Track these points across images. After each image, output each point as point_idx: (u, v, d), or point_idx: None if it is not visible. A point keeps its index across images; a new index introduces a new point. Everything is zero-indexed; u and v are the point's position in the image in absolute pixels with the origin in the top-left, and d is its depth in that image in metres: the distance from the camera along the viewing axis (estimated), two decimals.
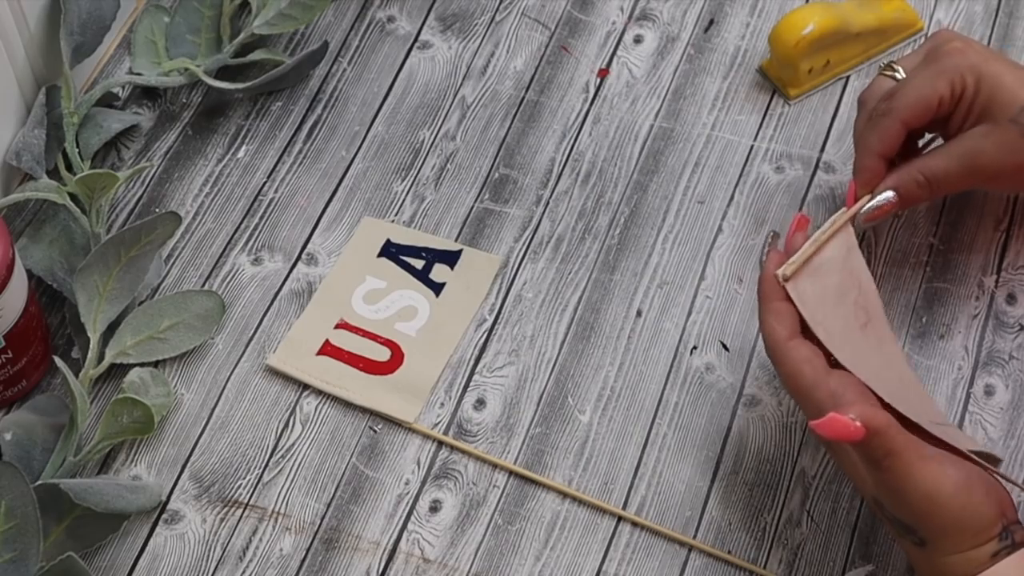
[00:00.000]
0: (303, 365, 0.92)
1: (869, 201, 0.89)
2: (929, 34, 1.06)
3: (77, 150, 0.98)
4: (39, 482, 0.83)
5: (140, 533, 0.86)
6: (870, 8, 1.04)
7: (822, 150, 1.01)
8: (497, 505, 0.87)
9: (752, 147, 1.01)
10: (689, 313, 0.94)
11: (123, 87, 1.04)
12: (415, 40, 1.07)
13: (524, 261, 0.97)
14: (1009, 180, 0.90)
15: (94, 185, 0.93)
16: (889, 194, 0.89)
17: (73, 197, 0.95)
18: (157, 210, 0.99)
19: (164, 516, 0.87)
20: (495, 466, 0.89)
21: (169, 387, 0.91)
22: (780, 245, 0.86)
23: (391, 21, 1.08)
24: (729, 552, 0.85)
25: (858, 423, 0.75)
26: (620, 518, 0.87)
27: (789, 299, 0.82)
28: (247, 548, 0.86)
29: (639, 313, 0.94)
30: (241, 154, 1.02)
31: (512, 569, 0.85)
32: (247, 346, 0.93)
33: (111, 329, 0.92)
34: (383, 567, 0.85)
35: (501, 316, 0.94)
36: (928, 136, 0.93)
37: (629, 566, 0.85)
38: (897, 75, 0.91)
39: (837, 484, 0.87)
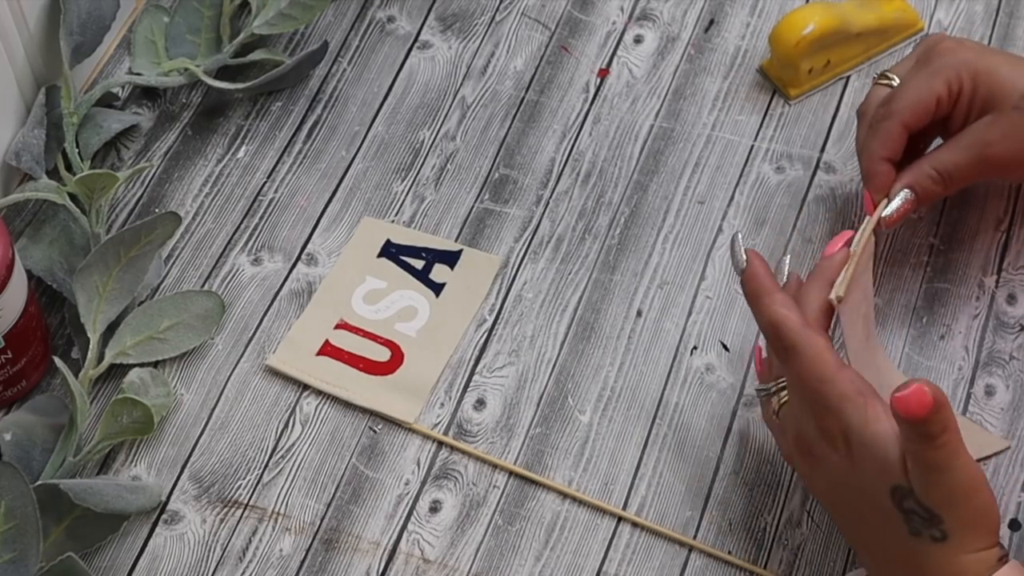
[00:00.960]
0: (303, 365, 0.92)
1: (888, 204, 0.89)
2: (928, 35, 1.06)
3: (77, 150, 0.98)
4: (39, 482, 0.83)
5: (140, 533, 0.86)
6: (870, 8, 1.04)
7: (822, 150, 1.01)
8: (497, 505, 0.87)
9: (752, 147, 1.01)
10: (689, 313, 0.94)
11: (123, 87, 1.04)
12: (415, 40, 1.07)
13: (524, 261, 0.96)
14: (1020, 168, 0.90)
15: (94, 185, 0.93)
16: (907, 192, 0.89)
17: (73, 197, 0.95)
18: (157, 210, 0.99)
19: (164, 516, 0.87)
20: (495, 466, 0.89)
21: (169, 387, 0.91)
22: (742, 244, 0.84)
23: (391, 21, 1.08)
24: (729, 552, 0.85)
25: (929, 395, 0.72)
26: (620, 518, 0.87)
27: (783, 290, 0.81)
28: (247, 548, 0.86)
29: (639, 313, 0.94)
30: (241, 154, 1.02)
31: (512, 569, 0.85)
32: (247, 346, 0.93)
33: (111, 329, 0.92)
34: (383, 567, 0.85)
35: (501, 316, 0.94)
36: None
37: (629, 566, 0.85)
38: (892, 83, 0.91)
39: None
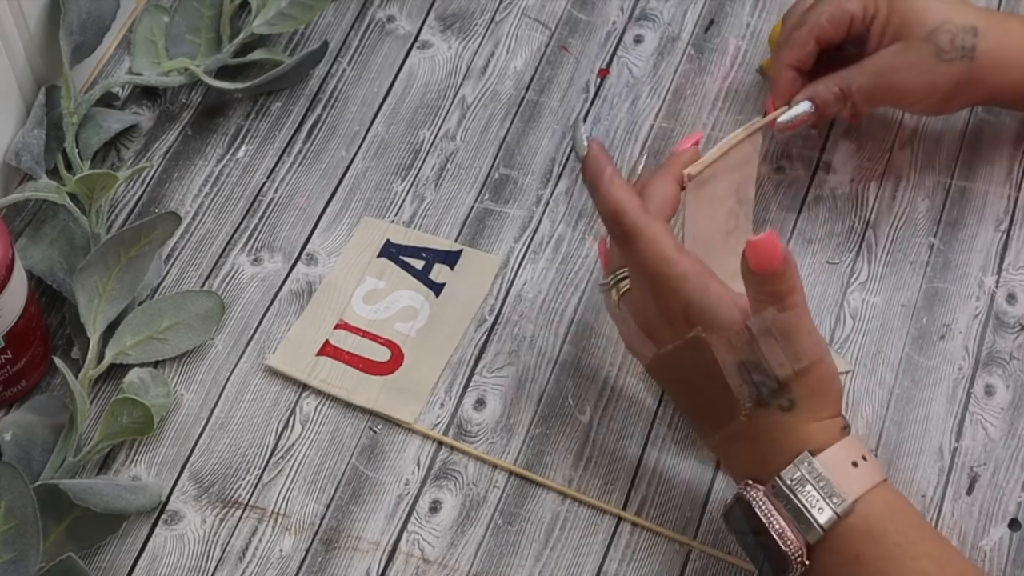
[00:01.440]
0: (303, 365, 0.92)
1: (787, 111, 0.92)
2: None
3: (77, 150, 0.98)
4: (39, 482, 0.83)
5: (140, 534, 0.86)
6: None
7: (822, 150, 1.01)
8: (497, 505, 0.87)
9: None
10: None
11: (123, 87, 1.04)
12: (415, 40, 1.07)
13: (524, 261, 0.96)
14: (921, 99, 0.93)
15: (94, 185, 0.93)
16: (806, 104, 0.92)
17: (73, 197, 0.95)
18: (157, 210, 0.99)
19: (164, 516, 0.87)
20: (495, 466, 0.89)
21: (169, 387, 0.91)
22: (584, 132, 0.86)
23: (391, 21, 1.08)
24: (729, 552, 0.85)
25: (780, 244, 0.75)
26: (620, 518, 0.87)
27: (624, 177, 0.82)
28: (247, 548, 0.86)
29: None
30: (241, 154, 1.02)
31: (512, 569, 0.85)
32: (247, 346, 0.93)
33: (111, 329, 0.92)
34: (383, 568, 0.85)
35: (501, 316, 0.94)
36: None
37: (629, 566, 0.85)
38: None
39: None
